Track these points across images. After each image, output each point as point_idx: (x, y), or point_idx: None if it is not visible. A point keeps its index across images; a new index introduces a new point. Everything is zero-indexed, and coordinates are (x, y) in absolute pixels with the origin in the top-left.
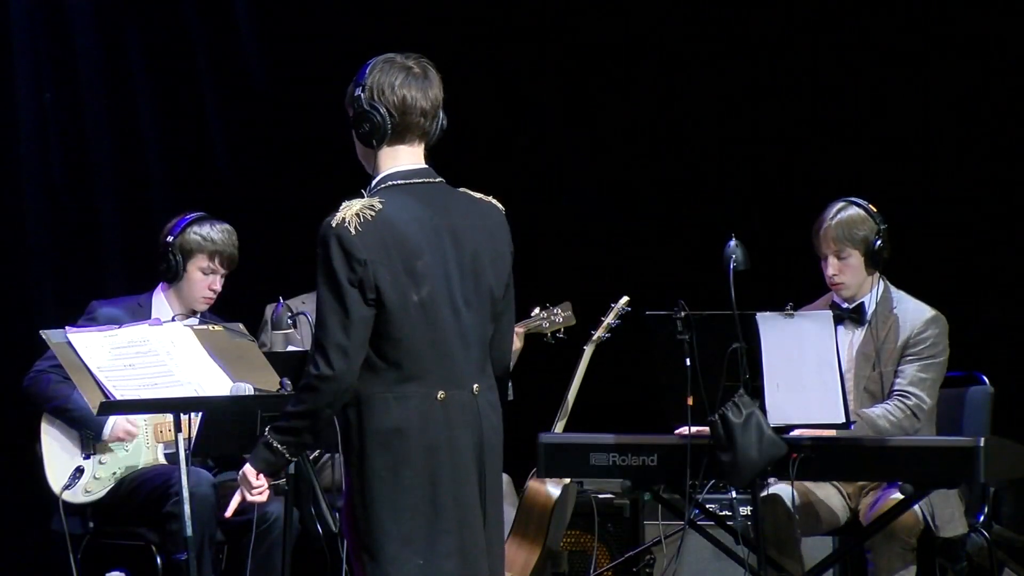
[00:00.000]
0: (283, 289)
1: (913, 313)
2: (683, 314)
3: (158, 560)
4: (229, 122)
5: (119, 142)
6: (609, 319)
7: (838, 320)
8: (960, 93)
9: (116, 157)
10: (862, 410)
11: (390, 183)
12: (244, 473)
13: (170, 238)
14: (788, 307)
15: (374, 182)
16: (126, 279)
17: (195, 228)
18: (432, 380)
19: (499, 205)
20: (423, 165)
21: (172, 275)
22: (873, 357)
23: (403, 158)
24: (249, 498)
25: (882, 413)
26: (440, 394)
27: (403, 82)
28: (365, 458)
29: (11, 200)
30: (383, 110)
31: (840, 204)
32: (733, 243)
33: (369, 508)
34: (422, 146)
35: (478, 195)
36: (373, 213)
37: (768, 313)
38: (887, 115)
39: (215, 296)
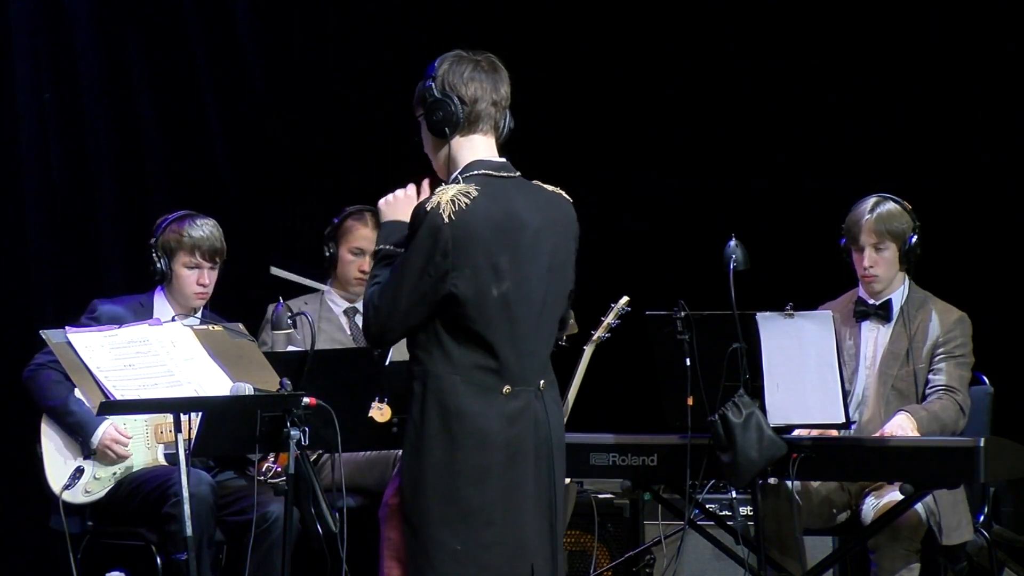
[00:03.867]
0: (283, 289)
1: (942, 313)
2: (683, 314)
3: (158, 560)
4: (229, 122)
5: (119, 142)
6: (609, 319)
7: (863, 316)
8: (952, 95)
9: (116, 157)
10: (923, 405)
11: (482, 171)
12: None
13: (153, 240)
14: (788, 307)
15: (461, 167)
16: (126, 279)
17: (174, 227)
18: (502, 374)
19: (567, 197)
20: (503, 159)
21: (161, 276)
22: (903, 355)
23: (481, 149)
24: None
25: (940, 408)
26: (506, 388)
27: (472, 74)
28: (424, 435)
29: (11, 200)
30: (455, 98)
31: (875, 199)
32: (733, 243)
33: (419, 484)
34: (494, 139)
35: (549, 188)
36: (468, 201)
37: (768, 313)
38: (888, 115)
39: (207, 290)
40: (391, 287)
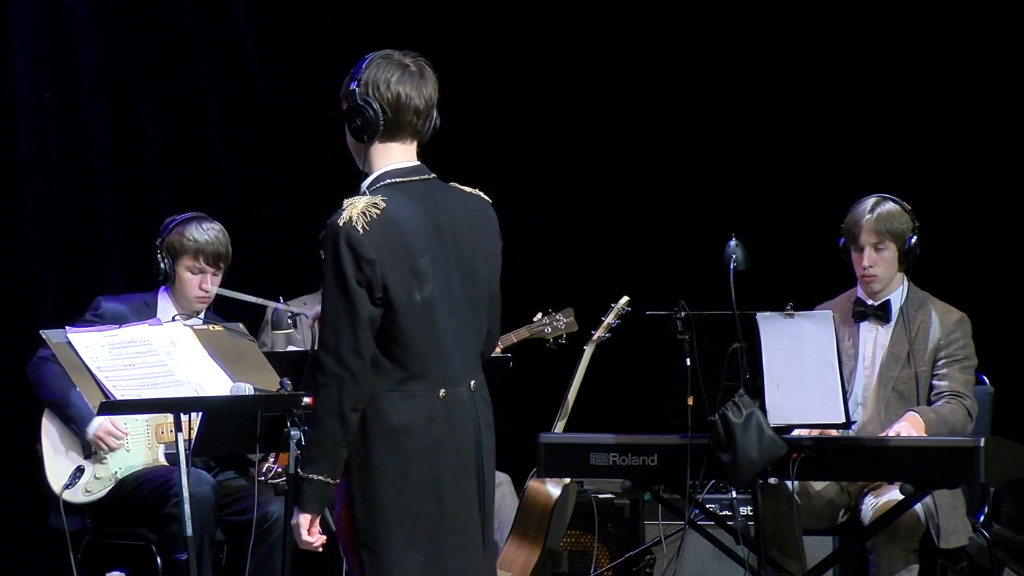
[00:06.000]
0: (283, 289)
1: (942, 314)
2: (683, 314)
3: (158, 560)
4: (229, 122)
5: (119, 142)
6: (609, 319)
7: (862, 317)
8: (949, 88)
9: (116, 157)
10: (934, 407)
11: (388, 181)
12: (297, 524)
13: (159, 240)
14: (788, 307)
15: (371, 179)
16: (126, 279)
17: (180, 229)
18: (435, 378)
19: (486, 198)
20: (416, 162)
21: (165, 277)
22: (903, 357)
23: (396, 155)
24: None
25: (949, 412)
26: (442, 392)
27: (399, 79)
28: (370, 456)
29: (11, 200)
30: (376, 106)
31: (875, 198)
32: (733, 243)
33: (373, 506)
34: (414, 144)
35: (467, 189)
36: (378, 212)
37: (768, 313)
38: (887, 116)
39: (208, 295)
40: (331, 324)
